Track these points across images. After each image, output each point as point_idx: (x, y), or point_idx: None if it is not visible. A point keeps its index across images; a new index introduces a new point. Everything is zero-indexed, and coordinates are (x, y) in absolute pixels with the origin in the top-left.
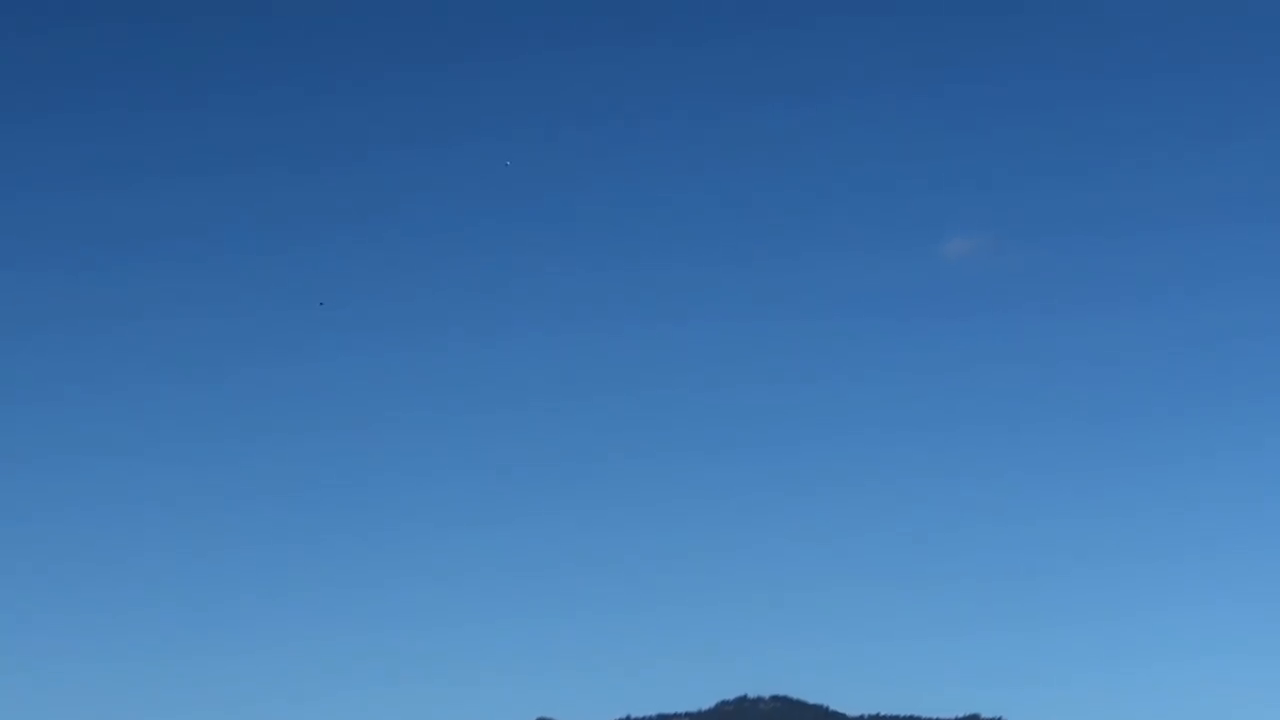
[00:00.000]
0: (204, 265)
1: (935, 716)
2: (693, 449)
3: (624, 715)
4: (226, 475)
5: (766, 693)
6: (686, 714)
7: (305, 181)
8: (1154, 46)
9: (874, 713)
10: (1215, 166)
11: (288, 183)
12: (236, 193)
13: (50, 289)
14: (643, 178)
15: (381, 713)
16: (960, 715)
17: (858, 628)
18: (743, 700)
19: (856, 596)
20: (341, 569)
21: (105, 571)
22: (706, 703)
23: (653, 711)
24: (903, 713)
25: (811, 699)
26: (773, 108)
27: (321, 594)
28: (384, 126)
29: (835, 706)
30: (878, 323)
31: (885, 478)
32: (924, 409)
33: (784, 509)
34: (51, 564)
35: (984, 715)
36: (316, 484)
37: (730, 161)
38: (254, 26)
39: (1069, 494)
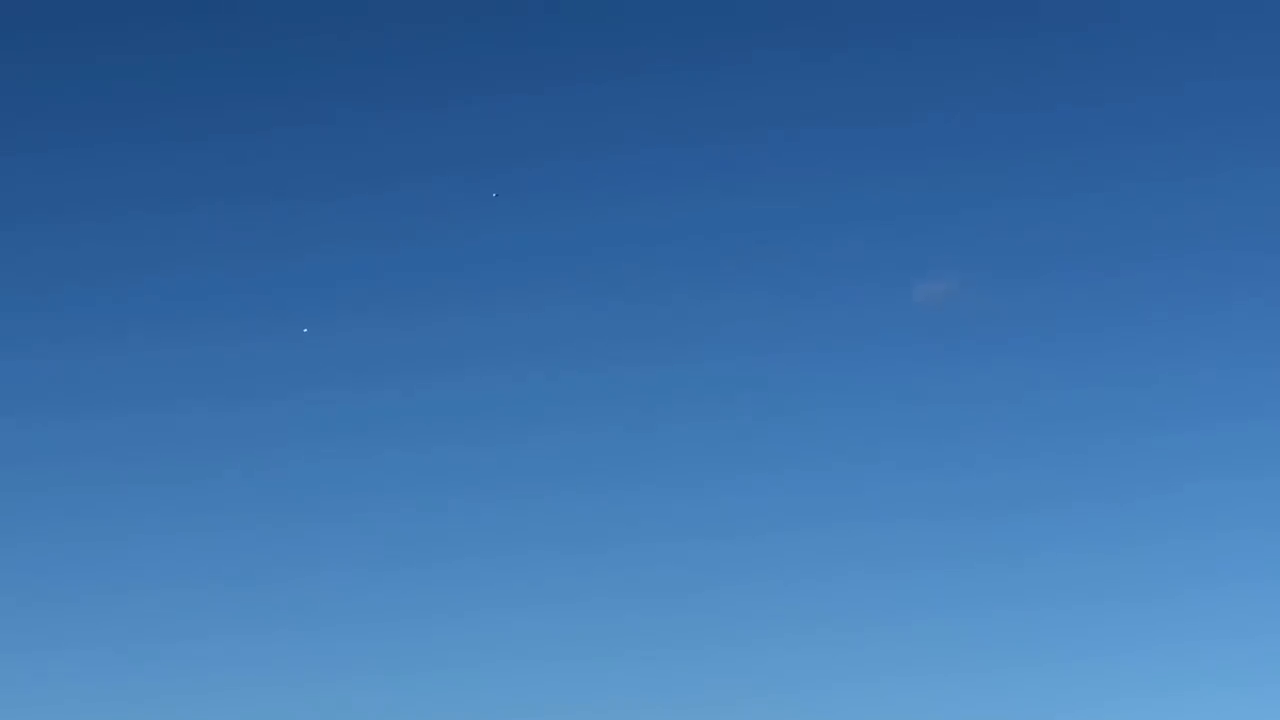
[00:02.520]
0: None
1: None
2: (643, 487)
3: None
4: (224, 474)
5: None
6: None
7: (313, 208)
8: (1127, 76)
9: None
10: (1195, 201)
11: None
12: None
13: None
14: (605, 211)
15: None
16: None
17: (819, 677)
18: None
19: (821, 642)
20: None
21: (100, 570)
22: None
23: None
24: None
25: None
26: (733, 142)
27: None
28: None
29: None
30: (846, 366)
31: (852, 521)
32: (896, 454)
33: (744, 553)
34: (46, 561)
35: None
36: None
37: (686, 197)
38: (258, 61)
39: (1049, 538)
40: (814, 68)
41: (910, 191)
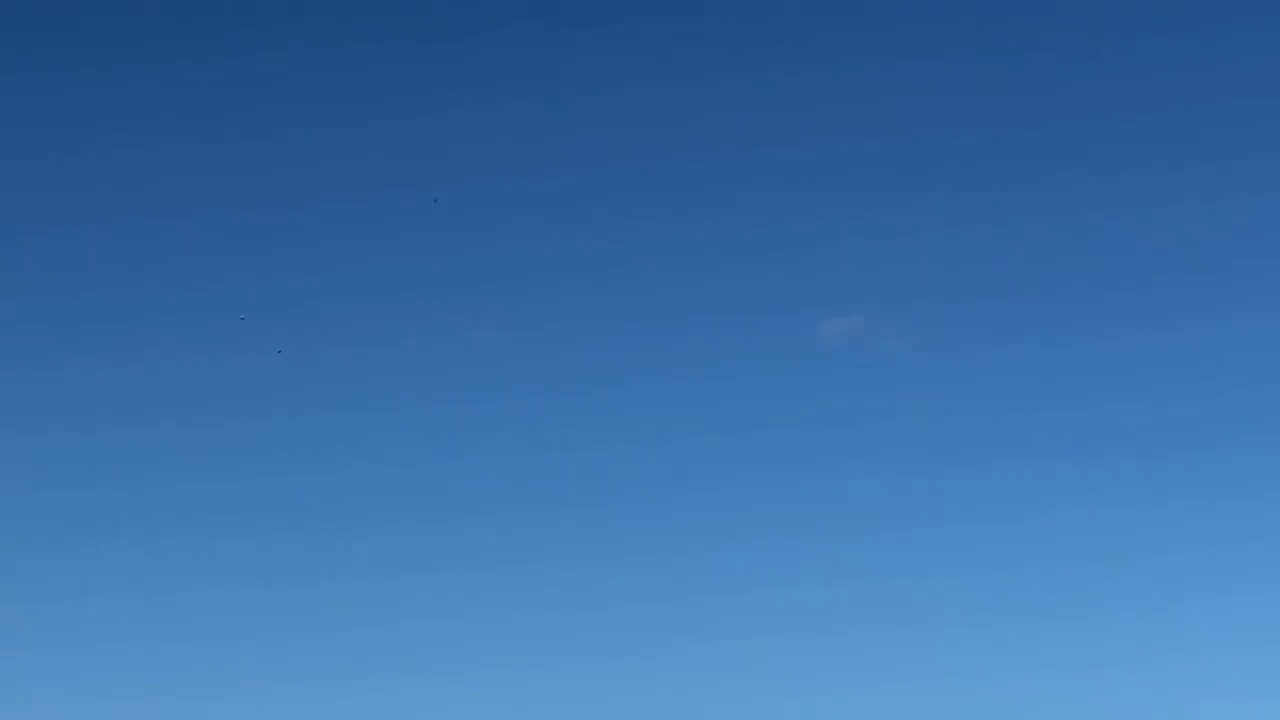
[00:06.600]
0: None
1: None
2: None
3: None
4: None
5: None
6: None
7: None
8: (1049, 108)
9: None
10: (1110, 232)
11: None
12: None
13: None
14: (514, 238)
15: None
16: None
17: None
18: None
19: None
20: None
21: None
22: None
23: None
24: None
25: None
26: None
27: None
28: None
29: None
30: (749, 410)
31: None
32: (799, 504)
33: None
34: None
35: None
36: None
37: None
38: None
39: (946, 565)
40: (715, 92)
41: (818, 224)
